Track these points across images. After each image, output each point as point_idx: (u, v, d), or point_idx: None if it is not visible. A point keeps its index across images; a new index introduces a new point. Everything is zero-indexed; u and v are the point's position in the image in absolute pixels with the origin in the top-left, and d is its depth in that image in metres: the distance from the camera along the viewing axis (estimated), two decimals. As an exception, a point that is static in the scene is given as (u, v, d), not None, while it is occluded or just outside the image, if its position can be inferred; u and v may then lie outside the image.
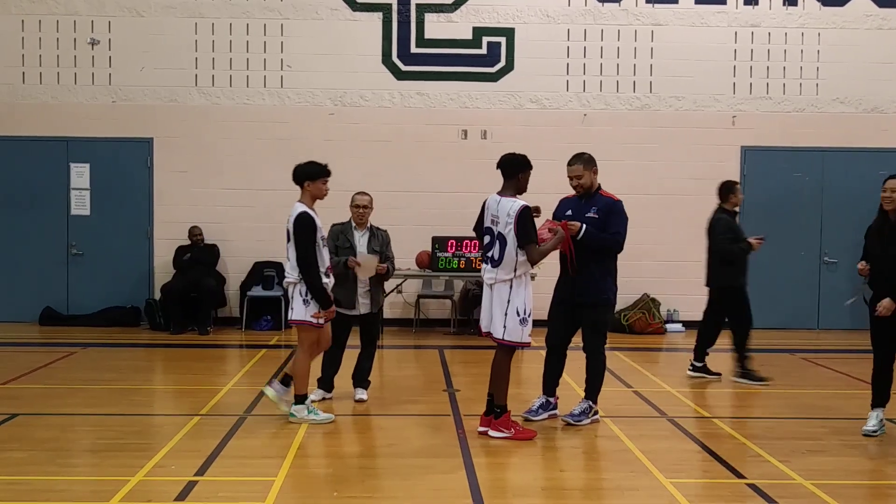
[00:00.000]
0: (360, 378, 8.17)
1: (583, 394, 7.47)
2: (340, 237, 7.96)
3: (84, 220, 12.89)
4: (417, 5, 12.96)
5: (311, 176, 7.16)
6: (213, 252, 12.61)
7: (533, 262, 6.71)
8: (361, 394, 8.10)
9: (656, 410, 7.91)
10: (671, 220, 13.11)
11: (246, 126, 12.92)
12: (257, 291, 12.62)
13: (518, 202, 6.72)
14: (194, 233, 12.52)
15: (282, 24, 12.91)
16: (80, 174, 12.85)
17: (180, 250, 12.54)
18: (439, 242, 12.25)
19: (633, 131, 13.04)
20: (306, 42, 12.93)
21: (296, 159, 12.64)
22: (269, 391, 7.30)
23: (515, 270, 6.73)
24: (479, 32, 12.99)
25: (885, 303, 6.84)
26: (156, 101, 12.86)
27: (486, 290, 6.93)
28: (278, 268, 12.76)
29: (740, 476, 6.01)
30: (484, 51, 13.02)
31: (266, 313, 12.56)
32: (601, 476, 6.21)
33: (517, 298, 6.75)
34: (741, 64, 13.13)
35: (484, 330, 6.98)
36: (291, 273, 7.11)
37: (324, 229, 7.26)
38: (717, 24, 13.08)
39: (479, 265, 12.10)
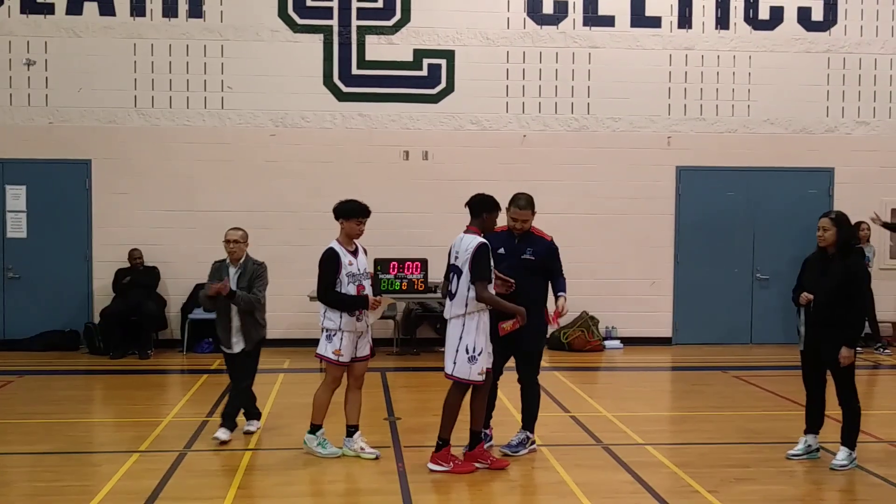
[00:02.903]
0: (225, 413, 7.86)
1: (520, 422, 7.62)
2: (216, 275, 7.83)
3: (20, 243, 12.71)
4: (358, 27, 13.04)
5: (344, 214, 7.23)
6: (153, 274, 12.54)
7: (480, 300, 6.78)
8: (221, 432, 7.69)
9: (592, 438, 8.10)
10: (609, 238, 13.37)
11: (186, 147, 12.87)
12: (198, 314, 12.55)
13: (477, 238, 6.84)
14: (134, 255, 12.43)
15: (222, 46, 12.88)
16: (16, 196, 12.67)
17: (120, 273, 12.44)
18: (381, 264, 12.32)
19: (572, 152, 13.27)
20: (247, 63, 12.92)
21: (237, 180, 12.91)
22: (344, 450, 7.38)
23: (467, 306, 6.83)
24: (419, 54, 13.12)
25: (845, 353, 7.01)
26: (94, 123, 12.75)
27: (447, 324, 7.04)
28: (220, 290, 12.72)
29: (670, 508, 6.22)
30: (425, 72, 13.15)
31: (207, 336, 12.49)
32: (537, 511, 6.37)
33: (468, 336, 6.84)
34: (676, 86, 13.45)
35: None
36: (319, 317, 7.28)
37: (356, 265, 7.26)
38: (653, 46, 13.39)
39: (421, 286, 12.34)
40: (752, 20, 13.50)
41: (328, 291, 7.14)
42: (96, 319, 12.49)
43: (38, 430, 8.22)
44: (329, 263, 7.14)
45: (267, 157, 12.98)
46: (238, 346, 7.81)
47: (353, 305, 7.17)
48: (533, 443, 7.57)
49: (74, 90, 12.71)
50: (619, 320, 13.39)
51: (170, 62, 12.84)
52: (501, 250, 7.30)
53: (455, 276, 6.88)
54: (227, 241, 7.85)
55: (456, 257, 6.93)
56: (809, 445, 7.44)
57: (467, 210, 7.09)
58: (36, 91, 12.70)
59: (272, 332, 12.64)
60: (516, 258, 7.23)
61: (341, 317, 7.16)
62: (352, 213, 7.23)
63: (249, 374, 7.96)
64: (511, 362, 7.52)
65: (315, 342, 12.00)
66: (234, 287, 7.68)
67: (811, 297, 7.21)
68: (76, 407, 9.43)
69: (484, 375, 6.94)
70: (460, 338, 6.86)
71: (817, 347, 7.23)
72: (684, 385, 11.20)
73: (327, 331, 7.22)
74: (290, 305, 12.90)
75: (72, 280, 12.75)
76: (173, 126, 12.86)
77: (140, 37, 12.77)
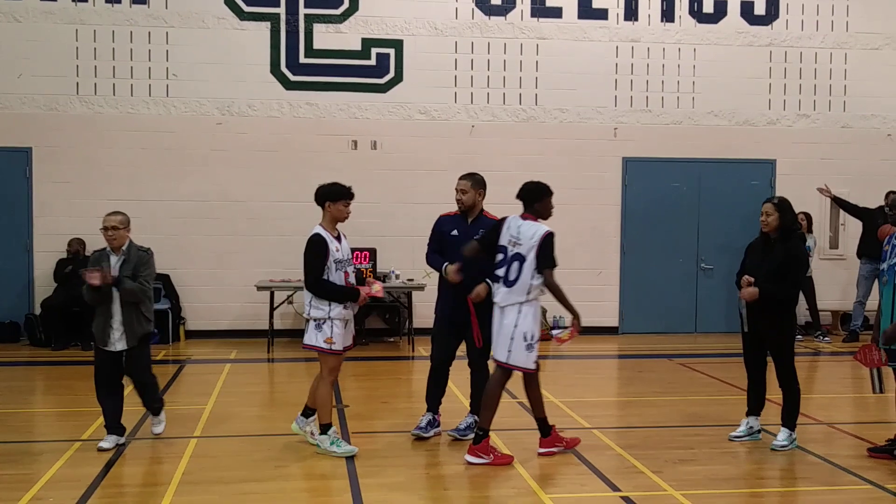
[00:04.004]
0: (151, 409, 7.45)
1: (469, 407, 7.65)
2: (95, 265, 7.05)
3: (-42, 233, 12.45)
4: (306, 15, 12.95)
5: (331, 197, 6.94)
6: (96, 265, 12.30)
7: (549, 286, 6.73)
8: (155, 425, 7.44)
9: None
10: (556, 228, 13.16)
11: (130, 135, 12.67)
12: (143, 305, 12.36)
13: (543, 227, 6.81)
14: (74, 245, 12.19)
15: (167, 33, 12.70)
16: (-48, 185, 12.39)
17: (61, 263, 12.20)
18: (329, 253, 12.24)
19: (520, 143, 13.33)
20: (193, 51, 12.76)
21: (182, 169, 12.75)
22: (294, 426, 7.31)
23: (528, 294, 6.77)
24: (368, 43, 13.07)
25: (750, 290, 7.15)
26: (35, 110, 12.48)
27: (496, 311, 6.93)
28: (165, 280, 12.58)
29: (615, 489, 6.29)
30: (373, 62, 13.10)
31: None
32: (483, 494, 6.38)
33: (524, 323, 6.78)
34: (622, 77, 13.59)
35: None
36: (305, 306, 6.97)
37: (342, 252, 6.96)
38: (599, 38, 13.50)
39: (370, 275, 12.29)
40: (697, 13, 13.69)
41: (319, 281, 6.81)
42: (37, 310, 12.24)
43: (-24, 420, 8.06)
44: (317, 249, 6.81)
45: (213, 145, 12.84)
46: (119, 343, 7.01)
47: (343, 298, 6.88)
48: (481, 427, 7.59)
49: (14, 76, 12.43)
50: (565, 310, 13.45)
51: (113, 49, 12.62)
52: (455, 232, 7.38)
53: (517, 264, 6.79)
54: (104, 229, 7.10)
55: (514, 243, 6.82)
56: (751, 427, 7.59)
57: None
58: (-27, 77, 12.42)
59: (220, 324, 12.81)
60: (468, 239, 7.27)
61: (330, 305, 6.85)
62: (339, 194, 6.95)
63: (147, 371, 7.27)
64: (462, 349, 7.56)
65: (262, 333, 12.16)
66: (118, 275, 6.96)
67: (752, 279, 7.35)
68: (16, 398, 9.24)
69: (537, 364, 6.94)
70: (516, 325, 6.77)
71: (757, 330, 7.38)
72: (629, 372, 11.34)
73: (316, 320, 6.88)
74: (237, 297, 12.84)
75: (11, 270, 12.47)
76: (117, 114, 12.65)
77: (82, 23, 12.54)
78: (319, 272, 6.82)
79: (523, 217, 6.93)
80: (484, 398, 6.99)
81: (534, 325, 6.82)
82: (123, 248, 7.14)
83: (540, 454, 7.05)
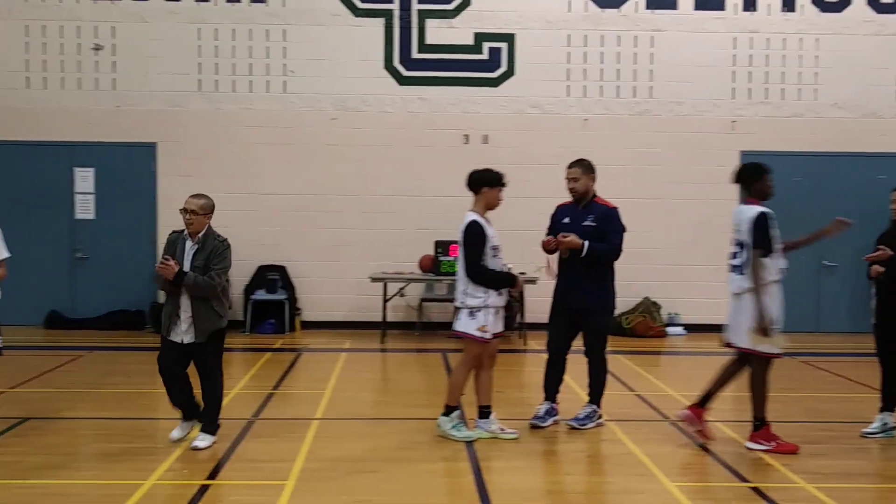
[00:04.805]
0: (201, 418, 6.79)
1: (586, 398, 7.56)
2: (170, 249, 6.59)
3: (89, 224, 13.00)
4: (419, 11, 13.06)
5: (489, 183, 6.91)
6: (216, 256, 12.67)
7: (752, 266, 6.66)
8: (198, 440, 6.64)
9: (659, 414, 8.02)
10: (671, 224, 13.20)
11: (249, 131, 13.02)
12: (261, 295, 12.69)
13: (756, 208, 6.76)
14: (197, 237, 12.58)
15: (284, 30, 13.00)
16: (84, 178, 12.95)
17: (184, 254, 12.62)
18: (442, 246, 12.30)
19: (634, 136, 13.13)
20: (309, 47, 13.02)
21: (299, 163, 13.02)
22: (474, 433, 7.02)
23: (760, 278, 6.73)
24: (480, 38, 13.09)
25: (884, 253, 6.96)
26: (160, 106, 12.95)
27: (733, 300, 6.95)
28: (281, 272, 12.88)
29: (743, 480, 6.11)
30: (485, 56, 13.12)
31: (270, 317, 12.65)
32: (606, 480, 6.31)
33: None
34: (740, 69, 13.23)
35: (728, 340, 7.04)
36: (459, 295, 6.89)
37: (496, 238, 6.92)
38: (717, 29, 13.19)
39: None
40: (820, 2, 13.23)
41: (481, 269, 6.76)
42: (162, 300, 12.65)
43: (108, 398, 8.40)
44: (479, 238, 6.77)
45: (328, 140, 13.07)
46: (187, 336, 6.53)
47: (501, 284, 6.86)
48: (600, 417, 7.50)
49: (141, 74, 12.93)
50: (682, 306, 13.21)
51: (233, 46, 12.99)
52: (566, 220, 7.35)
53: (743, 251, 6.78)
54: (183, 210, 6.49)
55: (738, 230, 6.85)
56: (885, 423, 7.26)
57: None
58: (104, 75, 12.94)
59: (334, 315, 13.01)
60: (579, 226, 7.22)
61: (486, 293, 6.81)
62: (497, 181, 6.91)
63: (214, 374, 6.72)
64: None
65: (374, 325, 12.30)
66: (187, 266, 6.44)
67: (882, 269, 7.06)
68: (144, 379, 9.51)
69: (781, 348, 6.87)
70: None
71: (886, 321, 7.08)
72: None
73: (470, 308, 6.82)
74: (350, 288, 13.03)
75: (138, 261, 12.93)
76: (236, 109, 13.01)
77: (204, 21, 12.95)
78: (479, 259, 6.79)
79: (745, 203, 6.88)
80: (751, 388, 6.99)
81: (775, 309, 6.72)
82: (200, 235, 6.52)
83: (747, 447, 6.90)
